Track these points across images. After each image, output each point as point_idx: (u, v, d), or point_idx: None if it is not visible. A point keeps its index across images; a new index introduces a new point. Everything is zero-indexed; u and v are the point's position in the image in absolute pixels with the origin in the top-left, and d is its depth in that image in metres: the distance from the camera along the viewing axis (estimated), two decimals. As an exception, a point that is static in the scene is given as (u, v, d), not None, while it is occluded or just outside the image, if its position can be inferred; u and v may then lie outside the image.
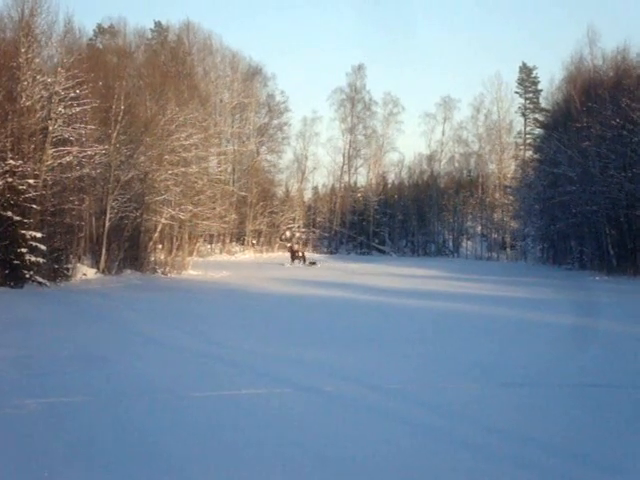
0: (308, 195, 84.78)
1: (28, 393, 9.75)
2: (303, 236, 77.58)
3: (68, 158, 31.67)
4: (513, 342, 16.30)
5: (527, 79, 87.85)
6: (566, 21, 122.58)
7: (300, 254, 54.45)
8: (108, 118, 35.92)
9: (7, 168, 27.90)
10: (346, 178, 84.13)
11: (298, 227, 76.71)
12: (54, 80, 31.34)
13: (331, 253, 76.78)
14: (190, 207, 40.68)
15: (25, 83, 30.27)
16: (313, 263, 53.36)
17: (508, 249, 77.33)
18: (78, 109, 31.93)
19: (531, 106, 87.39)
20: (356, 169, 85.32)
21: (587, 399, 10.55)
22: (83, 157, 32.49)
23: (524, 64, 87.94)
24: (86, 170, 33.01)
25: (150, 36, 73.19)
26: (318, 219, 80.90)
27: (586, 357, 13.98)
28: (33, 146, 30.21)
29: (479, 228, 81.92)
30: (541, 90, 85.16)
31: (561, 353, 14.46)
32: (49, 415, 8.80)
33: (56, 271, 29.73)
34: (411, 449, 7.79)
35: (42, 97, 31.28)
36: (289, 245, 60.67)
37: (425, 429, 8.55)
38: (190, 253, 46.12)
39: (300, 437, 8.13)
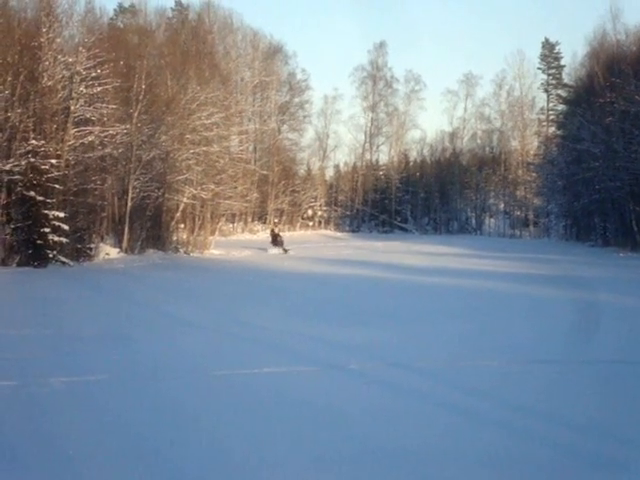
0: (330, 173, 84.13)
1: (52, 371, 9.77)
2: (325, 214, 77.38)
3: (90, 138, 31.77)
4: (541, 319, 16.09)
5: (550, 55, 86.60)
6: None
7: (280, 239, 46.02)
8: (129, 97, 36.01)
9: (30, 148, 28.00)
10: (368, 156, 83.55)
11: (320, 205, 76.40)
12: (75, 60, 31.39)
13: (353, 231, 76.42)
14: (212, 186, 40.63)
15: (47, 63, 30.31)
16: (287, 250, 43.91)
17: (531, 226, 76.80)
18: (99, 89, 32.00)
19: (554, 82, 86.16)
20: (378, 147, 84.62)
21: (616, 376, 10.42)
22: (105, 137, 32.55)
23: (546, 40, 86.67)
24: (108, 150, 33.12)
25: (171, 15, 72.84)
26: (340, 197, 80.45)
27: (615, 334, 13.79)
28: (55, 126, 30.31)
29: (502, 205, 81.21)
30: (564, 66, 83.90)
31: (590, 330, 14.26)
32: (73, 393, 8.82)
33: (79, 251, 29.90)
34: (436, 428, 7.72)
35: (63, 77, 31.33)
36: (272, 229, 52.86)
37: (452, 408, 8.47)
38: (212, 232, 46.08)
39: (322, 415, 8.09)
